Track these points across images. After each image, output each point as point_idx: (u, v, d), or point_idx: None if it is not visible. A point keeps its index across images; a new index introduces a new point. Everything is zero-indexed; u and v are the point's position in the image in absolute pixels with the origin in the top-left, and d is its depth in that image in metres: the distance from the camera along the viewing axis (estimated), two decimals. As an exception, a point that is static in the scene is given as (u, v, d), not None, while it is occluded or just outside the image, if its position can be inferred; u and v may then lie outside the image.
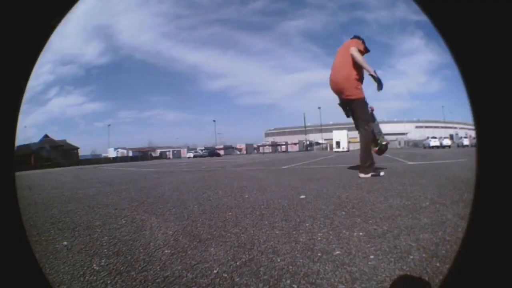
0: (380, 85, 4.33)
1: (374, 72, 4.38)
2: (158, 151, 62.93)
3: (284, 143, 63.71)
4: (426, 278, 1.12)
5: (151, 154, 56.65)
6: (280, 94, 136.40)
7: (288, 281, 1.16)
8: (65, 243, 1.83)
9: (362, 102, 4.60)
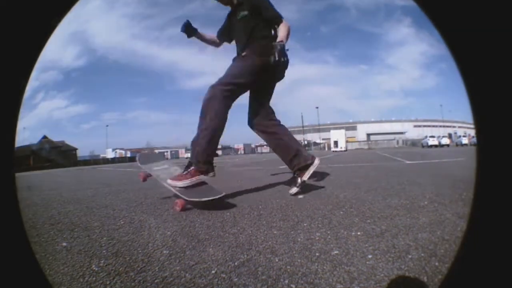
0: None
1: None
2: (156, 151, 62.83)
3: (282, 143, 63.53)
4: (425, 278, 1.13)
5: (149, 155, 56.55)
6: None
7: (286, 281, 1.17)
8: (64, 244, 1.82)
9: None
